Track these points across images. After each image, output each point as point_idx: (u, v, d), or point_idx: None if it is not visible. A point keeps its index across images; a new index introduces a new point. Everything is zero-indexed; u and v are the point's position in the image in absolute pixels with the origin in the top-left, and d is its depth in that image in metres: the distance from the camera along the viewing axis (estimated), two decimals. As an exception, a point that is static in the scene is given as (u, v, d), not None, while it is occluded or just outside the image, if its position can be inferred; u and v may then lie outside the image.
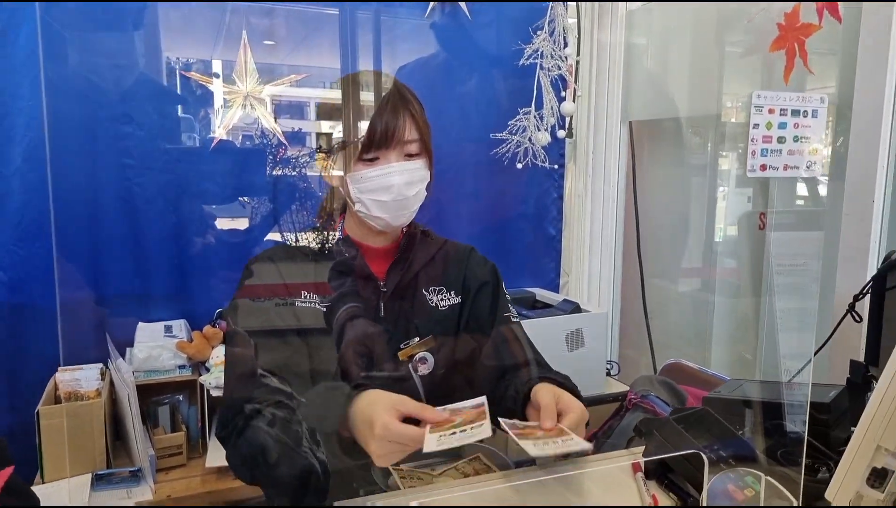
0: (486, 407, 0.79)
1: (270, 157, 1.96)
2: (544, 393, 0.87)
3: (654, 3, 2.05)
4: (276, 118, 1.97)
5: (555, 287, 2.25)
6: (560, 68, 2.03)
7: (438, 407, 0.82)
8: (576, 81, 2.12)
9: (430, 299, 1.12)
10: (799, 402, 0.82)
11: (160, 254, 1.82)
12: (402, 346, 1.07)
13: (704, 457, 0.69)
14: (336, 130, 1.21)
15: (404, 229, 1.14)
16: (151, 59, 1.81)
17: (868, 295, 1.13)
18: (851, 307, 1.19)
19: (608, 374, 1.98)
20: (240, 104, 1.88)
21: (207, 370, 1.70)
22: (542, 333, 1.74)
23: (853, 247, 1.47)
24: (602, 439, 1.48)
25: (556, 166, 2.16)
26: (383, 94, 1.06)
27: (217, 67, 1.90)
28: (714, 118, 2.02)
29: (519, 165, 2.02)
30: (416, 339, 1.08)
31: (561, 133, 2.10)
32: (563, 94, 2.06)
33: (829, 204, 1.56)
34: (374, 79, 1.24)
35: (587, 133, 2.18)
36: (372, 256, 1.11)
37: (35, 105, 1.62)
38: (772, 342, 1.37)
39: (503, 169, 2.04)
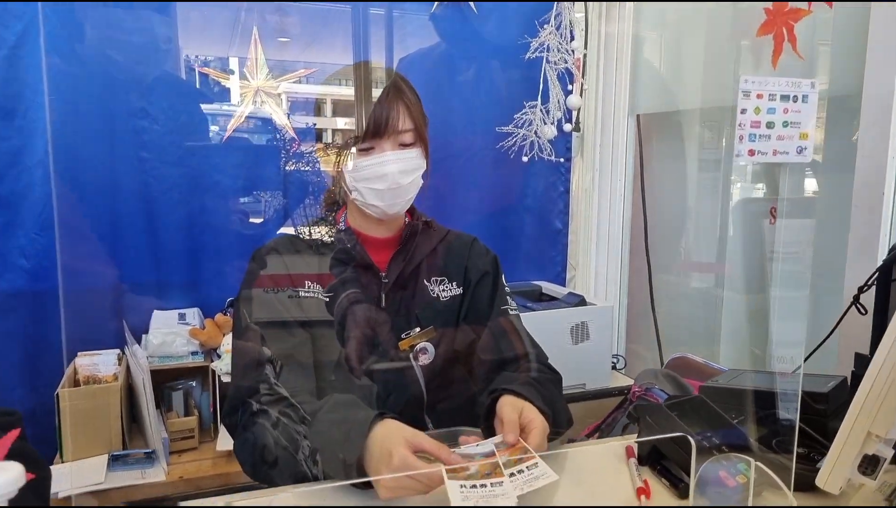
0: (499, 458, 0.77)
1: (282, 151, 2.00)
2: (508, 409, 0.87)
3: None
4: (289, 115, 2.00)
5: (561, 281, 2.27)
6: (566, 62, 2.04)
7: (451, 449, 0.80)
8: (583, 76, 2.13)
9: (432, 290, 1.13)
10: (795, 391, 0.84)
11: (175, 245, 1.87)
12: (403, 336, 1.09)
13: (692, 440, 0.71)
14: (349, 125, 1.24)
15: (406, 220, 1.16)
16: (169, 56, 1.85)
17: (874, 287, 1.13)
18: (856, 299, 1.19)
19: (614, 368, 2.00)
20: (251, 99, 1.91)
21: (219, 356, 1.75)
22: (546, 326, 1.78)
23: (862, 239, 1.46)
24: (605, 431, 1.50)
25: (562, 160, 2.17)
26: None
27: (233, 64, 1.95)
28: (729, 110, 2.01)
29: (525, 159, 2.04)
30: (417, 329, 1.09)
31: (567, 127, 2.11)
32: (569, 87, 2.08)
33: (838, 196, 1.55)
34: (386, 75, 1.26)
35: (594, 127, 2.19)
36: (373, 246, 1.12)
37: (56, 99, 1.67)
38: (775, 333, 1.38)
39: (509, 162, 2.06)
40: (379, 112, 1.04)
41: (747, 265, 2.00)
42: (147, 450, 1.63)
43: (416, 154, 1.08)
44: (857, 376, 1.04)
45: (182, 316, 1.85)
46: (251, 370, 0.99)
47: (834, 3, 1.27)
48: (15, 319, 1.72)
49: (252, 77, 1.92)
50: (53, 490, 1.42)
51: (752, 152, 1.01)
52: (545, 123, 2.08)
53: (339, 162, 1.11)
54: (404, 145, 1.06)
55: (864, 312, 1.19)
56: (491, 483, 0.69)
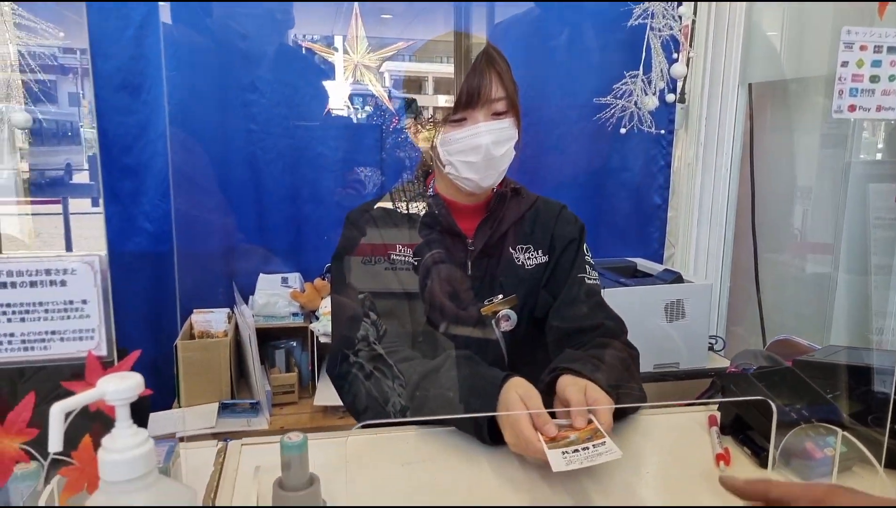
0: (597, 423, 0.77)
1: (381, 127, 2.06)
2: (572, 390, 0.83)
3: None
4: (390, 91, 2.06)
5: (658, 258, 2.19)
6: (672, 28, 1.95)
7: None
8: (690, 44, 2.03)
9: (517, 258, 1.12)
10: (893, 365, 0.77)
11: (279, 213, 1.99)
12: (485, 302, 1.09)
13: (773, 406, 0.67)
14: (449, 102, 1.23)
15: (494, 189, 1.14)
16: (277, 33, 1.95)
17: None
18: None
19: (711, 349, 1.91)
20: (351, 73, 1.99)
21: (317, 318, 1.85)
22: (639, 302, 1.73)
23: None
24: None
25: (663, 132, 2.09)
26: None
27: (338, 42, 2.02)
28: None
29: (623, 131, 1.98)
30: (500, 296, 1.09)
31: (670, 97, 2.02)
32: (674, 55, 1.98)
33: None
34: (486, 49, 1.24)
35: (700, 97, 2.08)
36: (461, 214, 1.11)
37: (177, 76, 1.81)
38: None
39: (606, 135, 2.00)
40: (471, 81, 1.03)
41: (866, 247, 1.83)
42: (252, 401, 1.76)
43: (509, 124, 1.06)
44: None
45: (285, 280, 1.97)
46: (351, 326, 1.03)
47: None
48: (142, 278, 1.90)
49: (352, 52, 1.99)
50: (171, 430, 1.58)
51: (852, 108, 0.92)
52: (646, 94, 2.01)
53: (432, 137, 1.11)
54: (497, 115, 1.04)
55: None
56: (593, 445, 0.69)
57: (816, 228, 2.03)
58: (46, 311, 0.55)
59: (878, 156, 1.88)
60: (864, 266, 1.80)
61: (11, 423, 0.56)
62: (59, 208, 2.54)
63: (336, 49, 2.02)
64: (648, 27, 1.95)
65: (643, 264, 2.03)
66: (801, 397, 0.80)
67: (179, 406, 1.75)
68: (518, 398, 0.82)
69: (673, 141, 2.14)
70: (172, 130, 1.84)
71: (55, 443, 0.45)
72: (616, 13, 1.95)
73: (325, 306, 1.84)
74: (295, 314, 1.88)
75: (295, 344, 1.94)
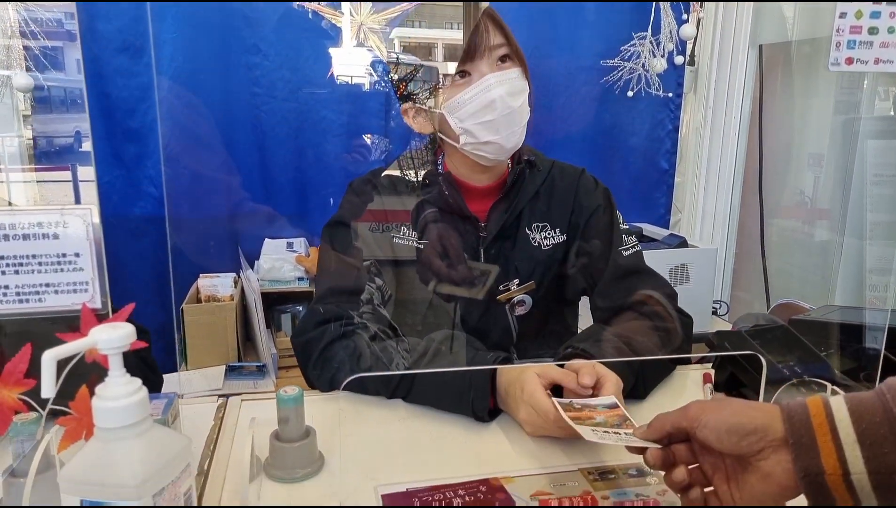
0: (623, 409, 0.73)
1: (387, 90, 2.03)
2: (581, 361, 0.81)
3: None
4: (397, 57, 2.03)
5: (665, 224, 2.18)
6: (681, -12, 1.91)
7: (564, 400, 0.75)
8: (700, 5, 1.98)
9: (533, 238, 1.05)
10: (884, 323, 0.77)
11: (284, 178, 1.99)
12: (500, 288, 1.04)
13: (763, 360, 0.68)
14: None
15: (509, 165, 1.06)
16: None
17: None
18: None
19: (714, 313, 1.91)
20: (355, 34, 1.96)
21: (322, 282, 1.86)
22: (643, 265, 1.73)
23: None
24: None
25: (671, 95, 2.05)
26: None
27: (345, 7, 1.99)
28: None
29: (630, 94, 1.95)
30: (517, 282, 1.04)
31: (679, 59, 1.99)
32: (683, 17, 1.94)
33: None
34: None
35: (710, 59, 2.04)
36: (473, 195, 1.04)
37: (179, 37, 1.80)
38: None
39: (613, 98, 1.97)
40: (471, 36, 0.97)
41: (874, 214, 1.81)
42: (259, 363, 1.79)
43: (518, 74, 0.98)
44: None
45: (290, 244, 1.98)
46: (355, 287, 0.97)
47: None
48: (147, 242, 1.92)
49: (356, 12, 1.96)
50: (179, 391, 1.61)
51: (849, 61, 0.89)
52: (654, 56, 1.97)
53: (438, 103, 1.03)
54: (502, 62, 0.98)
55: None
56: (624, 433, 0.66)
57: (825, 192, 2.00)
58: (40, 264, 0.56)
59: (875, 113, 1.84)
60: (872, 233, 1.78)
61: (9, 374, 0.57)
62: (67, 175, 2.56)
63: (342, 13, 1.99)
64: (658, -14, 1.90)
65: (649, 229, 2.02)
66: (794, 354, 0.80)
67: (187, 369, 1.78)
68: (520, 370, 0.79)
69: (681, 104, 2.11)
70: (171, 93, 1.83)
71: (48, 389, 0.46)
72: (624, -28, 1.91)
73: (330, 270, 1.85)
74: (300, 279, 1.90)
75: (300, 308, 1.96)
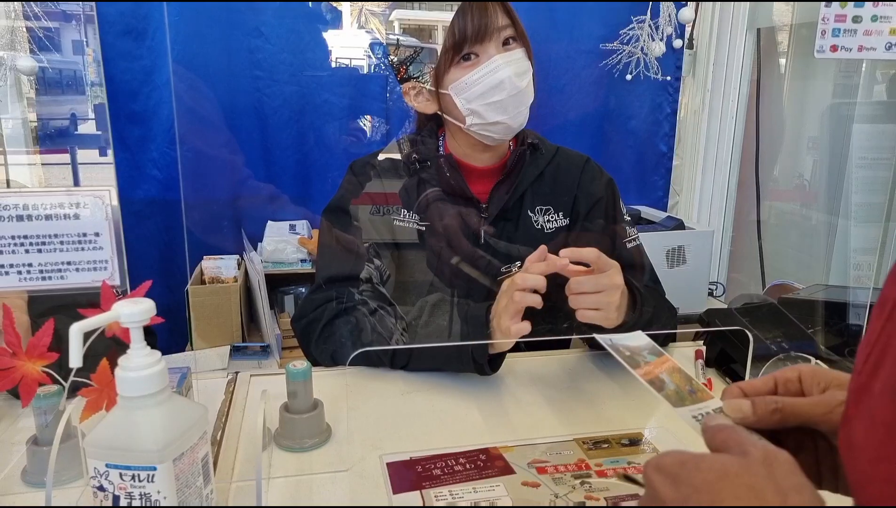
0: (672, 359, 0.59)
1: (387, 73, 2.04)
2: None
3: None
4: (398, 40, 2.03)
5: (663, 207, 2.21)
6: (680, -28, 1.91)
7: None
8: (700, -13, 1.99)
9: (536, 221, 1.05)
10: (873, 302, 0.79)
11: (287, 160, 2.01)
12: (503, 270, 1.04)
13: (749, 335, 0.71)
14: None
15: (511, 146, 1.06)
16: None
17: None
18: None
19: (710, 294, 1.94)
20: (356, 17, 1.97)
21: (324, 264, 1.89)
22: (640, 247, 1.76)
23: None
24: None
25: (669, 78, 2.07)
26: None
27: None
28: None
29: (629, 77, 1.96)
30: (518, 264, 1.04)
31: (678, 43, 2.00)
32: (682, 0, 1.95)
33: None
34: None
35: (708, 43, 2.05)
36: (475, 176, 1.04)
37: (181, 21, 1.81)
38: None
39: (613, 82, 1.99)
40: (474, 16, 0.96)
41: (867, 197, 1.84)
42: (263, 344, 1.82)
43: (523, 54, 0.99)
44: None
45: (293, 227, 2.01)
46: (355, 265, 0.99)
47: None
48: (151, 225, 1.94)
49: (357, -6, 1.96)
50: (195, 368, 1.64)
51: (834, 48, 0.91)
52: (653, 40, 1.98)
53: (439, 80, 1.01)
54: (508, 44, 0.98)
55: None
56: (713, 410, 0.52)
57: (820, 176, 2.03)
58: (62, 243, 0.59)
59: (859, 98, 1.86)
60: (866, 215, 1.81)
61: (33, 347, 0.60)
62: (65, 157, 2.57)
63: (343, -4, 2.00)
64: (656, -30, 1.91)
65: (647, 211, 2.05)
66: (780, 329, 0.84)
67: (192, 349, 1.81)
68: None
69: (680, 88, 2.12)
70: (175, 76, 1.84)
71: (75, 359, 0.49)
72: (624, -45, 1.91)
73: (332, 252, 1.88)
74: (303, 260, 1.93)
75: (303, 289, 1.99)
